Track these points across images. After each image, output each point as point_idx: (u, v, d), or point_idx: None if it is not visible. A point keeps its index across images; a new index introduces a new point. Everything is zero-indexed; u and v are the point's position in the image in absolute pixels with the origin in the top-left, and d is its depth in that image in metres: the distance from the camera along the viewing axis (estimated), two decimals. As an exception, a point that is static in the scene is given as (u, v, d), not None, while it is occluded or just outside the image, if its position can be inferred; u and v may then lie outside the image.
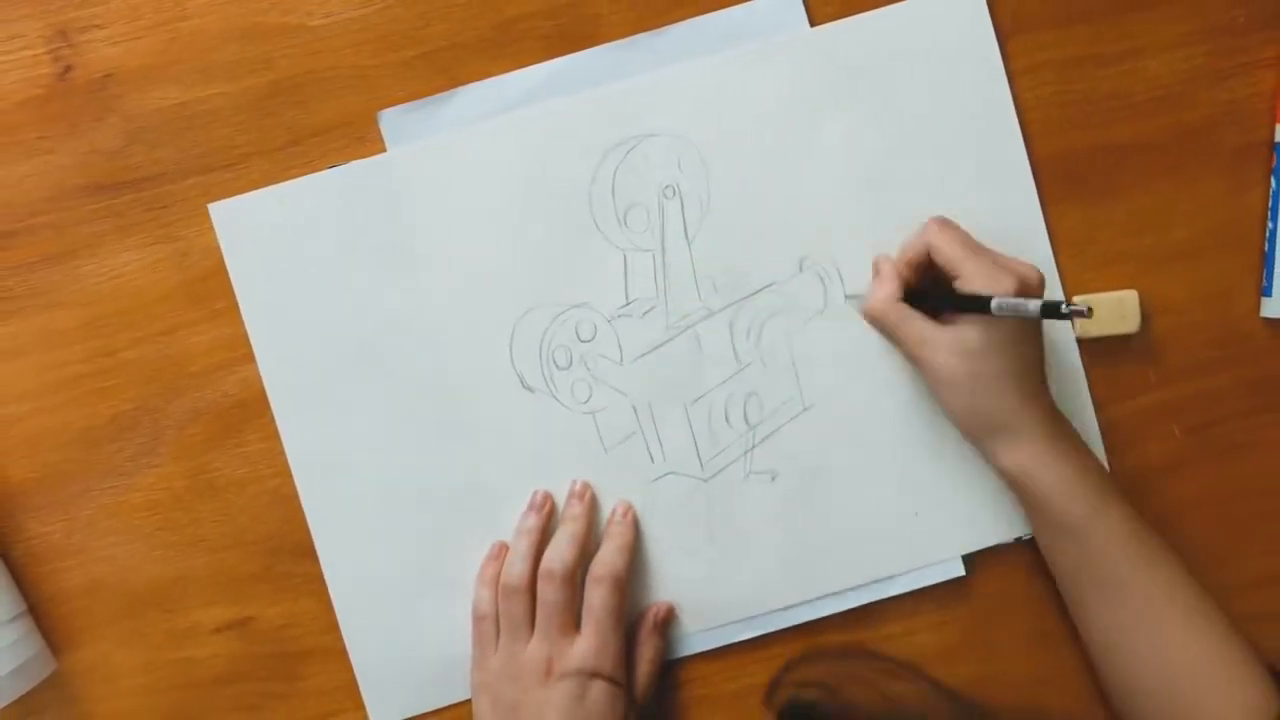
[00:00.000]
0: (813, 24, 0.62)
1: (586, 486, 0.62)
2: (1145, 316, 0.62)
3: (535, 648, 0.58)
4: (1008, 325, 0.56)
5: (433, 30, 0.62)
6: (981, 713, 0.62)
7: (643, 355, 0.62)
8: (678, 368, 0.62)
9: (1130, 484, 0.62)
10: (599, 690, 0.57)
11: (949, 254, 0.57)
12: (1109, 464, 0.63)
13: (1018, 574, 0.63)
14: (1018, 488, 0.58)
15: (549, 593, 0.59)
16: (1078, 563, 0.58)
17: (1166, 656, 0.56)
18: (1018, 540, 0.62)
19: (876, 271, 0.61)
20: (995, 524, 0.62)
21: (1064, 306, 0.53)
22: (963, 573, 0.62)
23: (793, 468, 0.62)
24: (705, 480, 0.62)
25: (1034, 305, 0.53)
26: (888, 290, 0.59)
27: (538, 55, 0.62)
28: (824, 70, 0.62)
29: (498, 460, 0.62)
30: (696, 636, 0.63)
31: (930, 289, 0.60)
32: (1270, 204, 0.63)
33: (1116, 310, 0.62)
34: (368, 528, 0.62)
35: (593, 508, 0.62)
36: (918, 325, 0.58)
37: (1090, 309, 0.52)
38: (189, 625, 0.62)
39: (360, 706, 0.62)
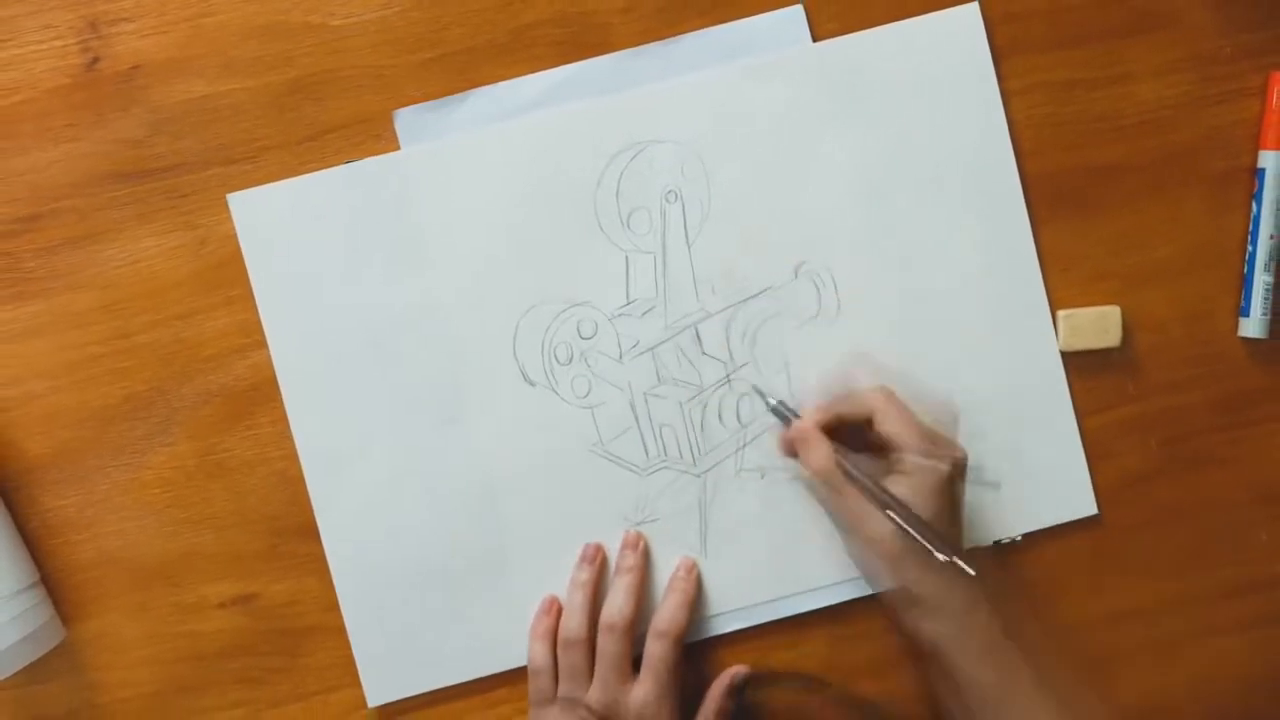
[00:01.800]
0: (815, 39, 0.64)
1: (640, 537, 0.63)
2: (1126, 332, 0.64)
3: (595, 696, 0.60)
4: (940, 502, 0.57)
5: (449, 34, 0.63)
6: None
7: (641, 353, 0.64)
8: (675, 367, 0.64)
9: (1107, 492, 0.64)
10: None
11: (893, 429, 0.58)
12: (1089, 471, 0.64)
13: (996, 576, 0.64)
14: (933, 653, 0.57)
15: (609, 644, 0.60)
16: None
17: None
18: (996, 544, 0.64)
19: (802, 438, 0.60)
20: (975, 527, 0.64)
21: (960, 562, 0.54)
22: (942, 573, 0.64)
23: (782, 466, 0.64)
24: (698, 475, 0.64)
25: (941, 557, 0.55)
26: (824, 451, 0.59)
27: (549, 61, 0.63)
28: (825, 84, 0.63)
29: (498, 450, 0.63)
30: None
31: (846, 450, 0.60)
32: (1250, 227, 0.64)
33: (1099, 325, 0.64)
34: (370, 511, 0.63)
35: (646, 558, 0.63)
36: (852, 500, 0.58)
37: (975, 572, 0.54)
38: (195, 600, 0.64)
39: (357, 684, 0.63)
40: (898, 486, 0.57)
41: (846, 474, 0.58)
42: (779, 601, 0.64)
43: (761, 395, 0.63)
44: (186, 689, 0.64)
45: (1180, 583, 0.65)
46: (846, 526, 0.60)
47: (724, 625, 0.64)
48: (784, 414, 0.62)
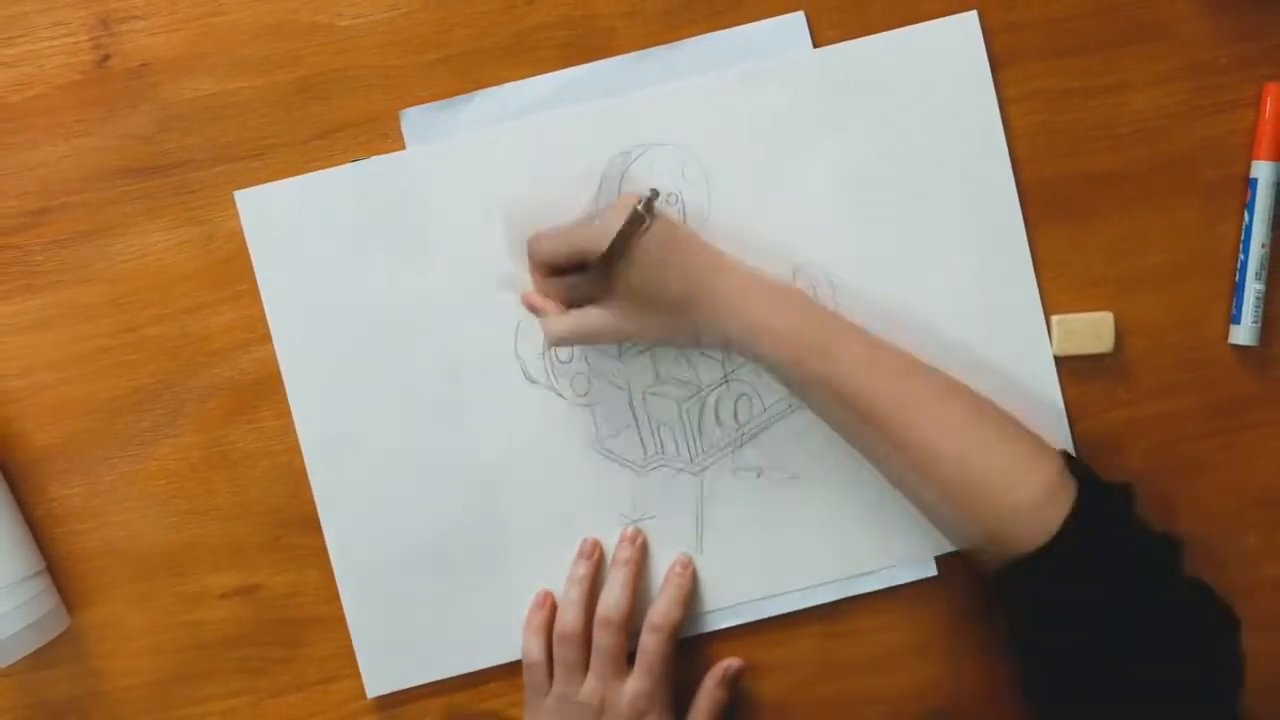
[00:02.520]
0: (816, 45, 0.64)
1: (638, 532, 0.64)
2: (1119, 337, 0.65)
3: (590, 688, 0.61)
4: (649, 246, 0.58)
5: (455, 35, 0.64)
6: None
7: (641, 353, 0.65)
8: (673, 366, 0.65)
9: (1097, 496, 0.65)
10: None
11: (555, 249, 0.60)
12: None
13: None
14: (762, 365, 0.59)
15: (604, 638, 0.61)
16: (848, 419, 0.59)
17: (955, 448, 0.56)
18: (988, 544, 0.65)
19: (534, 306, 0.62)
20: (967, 528, 0.65)
21: (640, 203, 0.57)
22: (935, 573, 0.65)
23: (777, 466, 0.65)
24: (694, 473, 0.65)
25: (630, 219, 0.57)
26: (554, 308, 0.61)
27: (553, 64, 0.64)
28: (825, 89, 0.64)
29: (499, 446, 0.64)
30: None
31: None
32: (1243, 236, 0.65)
33: (1093, 330, 0.65)
34: (371, 505, 0.64)
35: (643, 553, 0.64)
36: (594, 315, 0.60)
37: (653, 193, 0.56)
38: (198, 590, 0.65)
39: (356, 675, 0.64)
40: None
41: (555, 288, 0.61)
42: (772, 599, 0.65)
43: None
44: (188, 677, 0.65)
45: (1168, 585, 0.66)
46: (605, 324, 0.60)
47: (718, 622, 0.65)
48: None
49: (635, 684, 0.61)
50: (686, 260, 0.59)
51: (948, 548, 0.65)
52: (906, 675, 0.65)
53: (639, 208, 0.57)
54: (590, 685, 0.61)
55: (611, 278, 0.59)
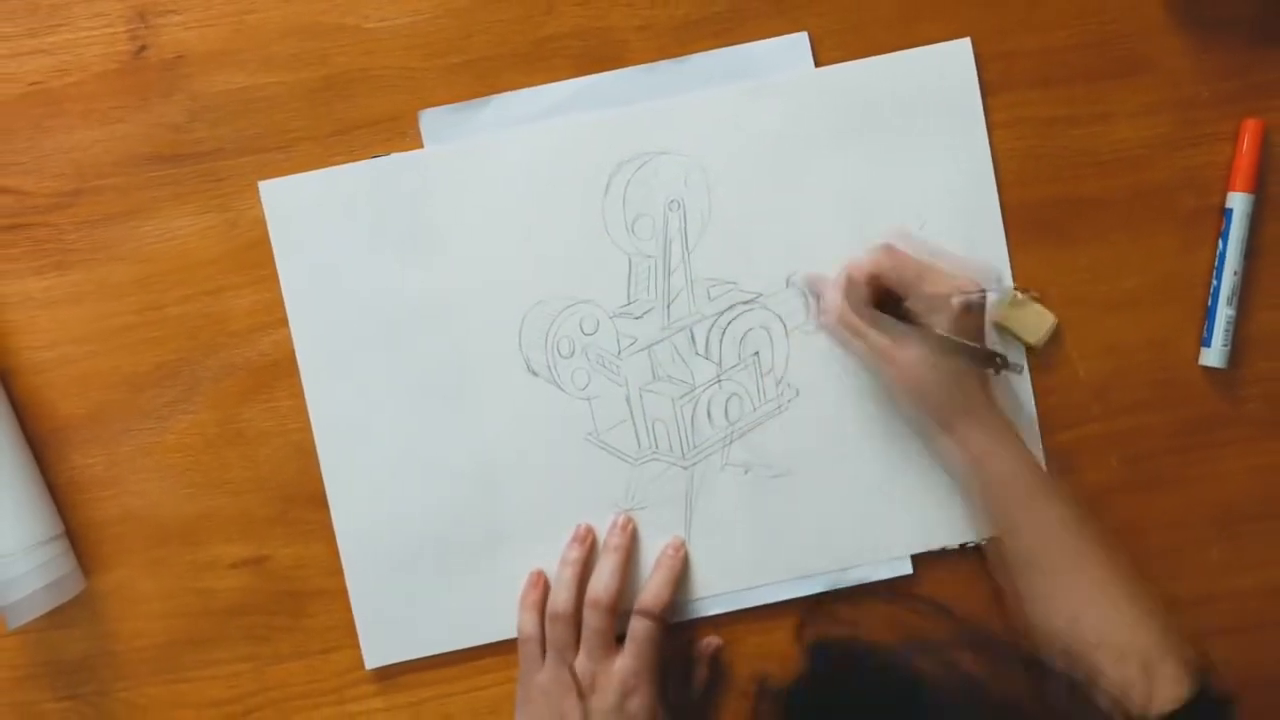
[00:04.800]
0: (818, 65, 0.67)
1: (630, 520, 0.67)
2: (1092, 357, 0.67)
3: (581, 666, 0.63)
4: (964, 323, 0.61)
5: (475, 41, 0.67)
6: (1010, 650, 0.60)
7: (639, 351, 0.67)
8: (670, 365, 0.67)
9: (1068, 504, 0.68)
10: (636, 704, 0.63)
11: (897, 276, 0.62)
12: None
13: (959, 578, 0.67)
14: (976, 471, 0.62)
15: (594, 619, 0.64)
16: (1012, 553, 0.62)
17: (1091, 625, 0.59)
18: (962, 546, 0.67)
19: (816, 290, 0.65)
20: (943, 529, 0.67)
21: (1000, 359, 0.58)
22: (910, 571, 0.67)
23: (764, 463, 0.67)
24: (686, 468, 0.67)
25: (978, 347, 0.59)
26: (835, 295, 0.64)
27: (568, 72, 0.67)
28: (823, 107, 0.67)
29: (500, 435, 0.67)
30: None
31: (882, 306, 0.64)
32: (1216, 263, 0.67)
33: (1033, 320, 0.67)
34: (376, 485, 0.67)
35: (634, 539, 0.67)
36: (887, 324, 0.62)
37: (1022, 366, 0.58)
38: (209, 559, 0.67)
39: (356, 646, 0.67)
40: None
41: (867, 314, 0.62)
42: (757, 589, 0.67)
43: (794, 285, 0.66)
44: (196, 642, 0.67)
45: (1132, 593, 0.69)
46: (880, 363, 0.63)
47: (705, 609, 0.67)
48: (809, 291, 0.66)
49: (624, 664, 0.63)
50: (976, 372, 0.62)
51: (922, 548, 0.67)
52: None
53: (998, 360, 0.60)
54: (581, 663, 0.64)
55: (916, 348, 0.61)
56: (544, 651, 0.65)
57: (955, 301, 0.60)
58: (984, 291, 0.61)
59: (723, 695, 0.68)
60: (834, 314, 0.65)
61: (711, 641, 0.67)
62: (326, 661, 0.67)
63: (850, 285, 0.64)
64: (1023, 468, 0.62)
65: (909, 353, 0.62)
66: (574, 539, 0.67)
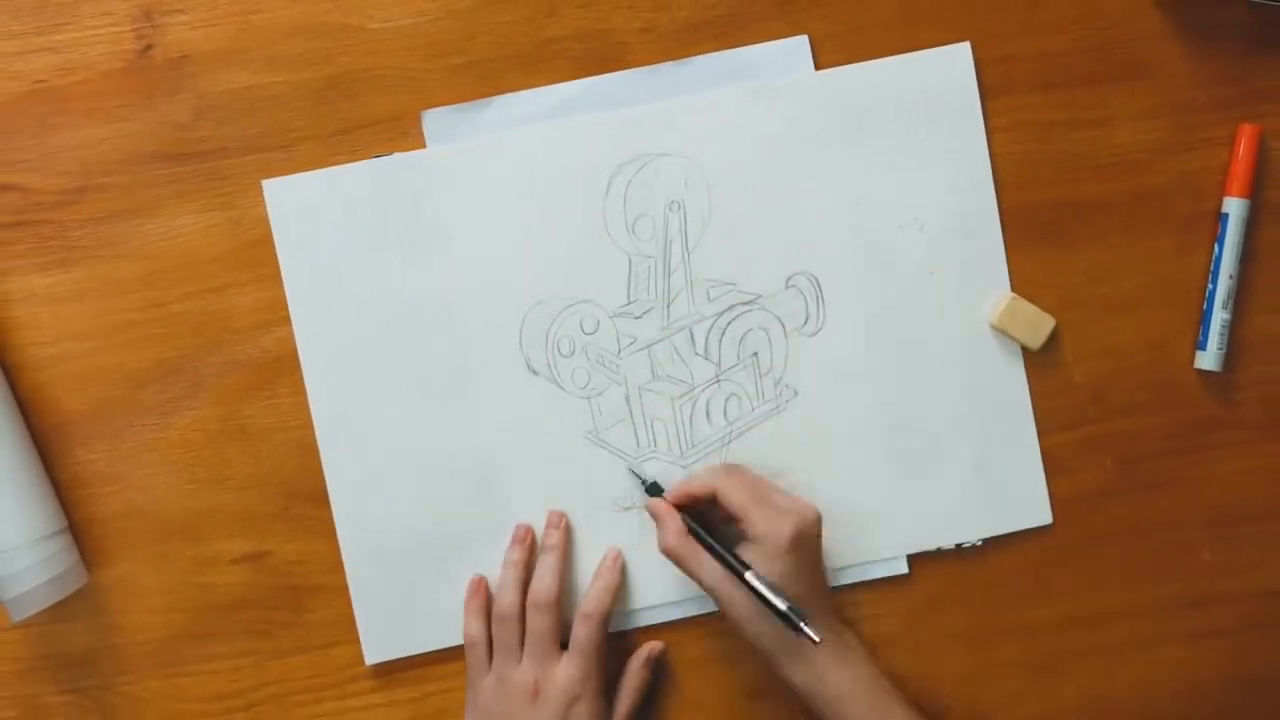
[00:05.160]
0: (818, 68, 0.67)
1: (562, 516, 0.67)
2: (1088, 359, 0.68)
3: (525, 670, 0.64)
4: (788, 561, 0.61)
5: (478, 42, 0.67)
6: None
7: (638, 350, 0.68)
8: (669, 365, 0.68)
9: (1063, 505, 0.68)
10: (581, 711, 0.63)
11: (735, 501, 0.62)
12: (1047, 486, 0.68)
13: (953, 578, 0.68)
14: (807, 699, 0.62)
15: (536, 620, 0.64)
16: None
17: None
18: (957, 547, 0.68)
19: (656, 515, 0.64)
20: (938, 530, 0.68)
21: (802, 625, 0.58)
22: (905, 571, 0.68)
23: (761, 464, 0.68)
24: (684, 467, 0.68)
25: (781, 606, 0.59)
26: (673, 528, 0.63)
27: (570, 73, 0.67)
28: (823, 110, 0.67)
29: (500, 433, 0.67)
30: (663, 607, 0.68)
31: (713, 525, 0.64)
32: (1212, 267, 0.68)
33: (1032, 323, 0.67)
34: (377, 482, 0.67)
35: (567, 535, 0.67)
36: (705, 569, 0.62)
37: (819, 639, 0.58)
38: (211, 554, 0.67)
39: (356, 642, 0.67)
40: (746, 553, 0.62)
41: (699, 541, 0.62)
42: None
43: (636, 475, 0.67)
44: (198, 636, 0.67)
45: (1126, 594, 0.69)
46: (704, 588, 0.62)
47: (703, 607, 0.68)
48: (652, 491, 0.66)
49: (568, 669, 0.64)
50: (805, 601, 0.61)
51: (918, 548, 0.68)
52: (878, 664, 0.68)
53: (806, 629, 0.59)
54: (525, 667, 0.64)
55: (731, 592, 0.61)
56: (490, 656, 0.65)
57: (749, 580, 0.60)
58: (769, 583, 0.60)
59: (668, 698, 0.68)
60: (666, 541, 0.63)
61: (654, 647, 0.67)
62: (327, 657, 0.68)
63: (664, 511, 0.64)
64: (855, 688, 0.62)
65: (724, 595, 0.61)
66: (514, 540, 0.67)
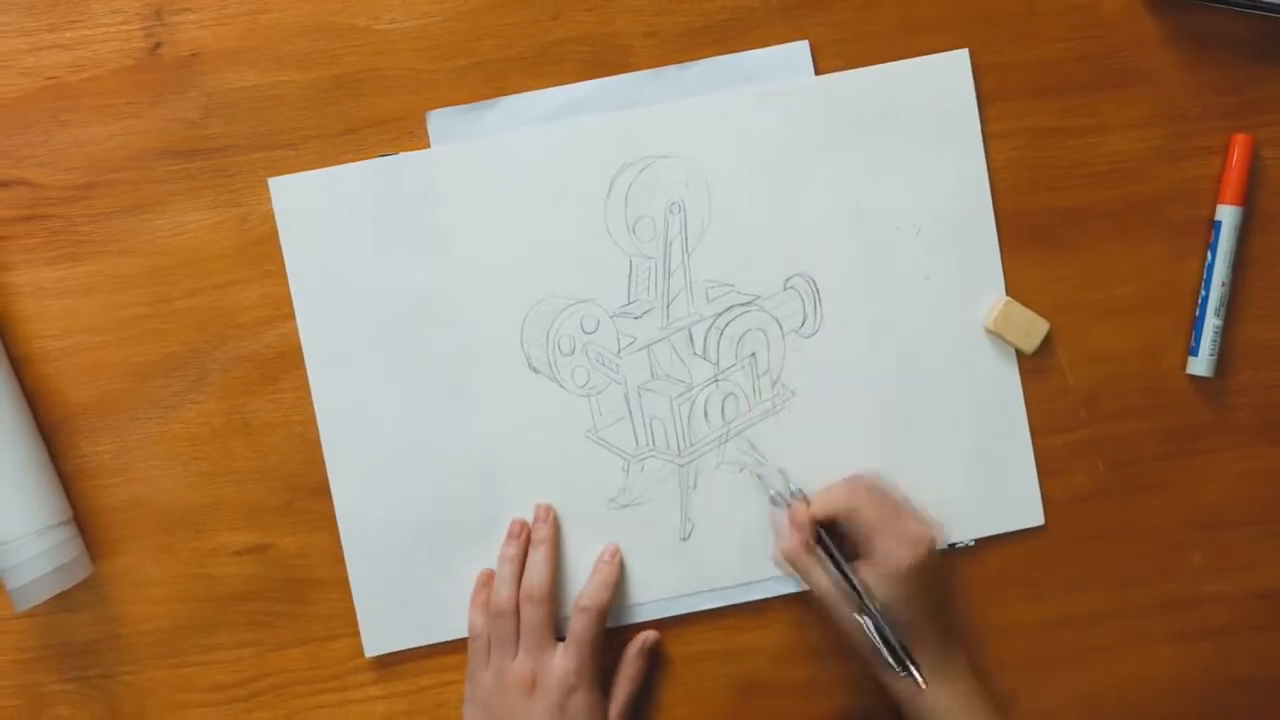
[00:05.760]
0: (818, 73, 0.68)
1: (550, 510, 0.68)
2: (1080, 364, 0.69)
3: (521, 663, 0.65)
4: (904, 588, 0.62)
5: (483, 44, 0.68)
6: None
7: (638, 350, 0.69)
8: (668, 364, 0.69)
9: (1055, 507, 0.69)
10: (577, 703, 0.64)
11: (867, 521, 0.63)
12: (1040, 488, 0.69)
13: (950, 576, 0.69)
14: (902, 707, 0.63)
15: (529, 613, 0.65)
16: None
17: None
18: (951, 546, 0.69)
19: (792, 520, 0.65)
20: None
21: (911, 669, 0.60)
22: (900, 570, 0.69)
23: (759, 462, 0.68)
24: (681, 465, 0.69)
25: (888, 655, 0.61)
26: (797, 539, 0.64)
27: (574, 75, 0.68)
28: (823, 114, 0.68)
29: (501, 430, 0.68)
30: (661, 603, 0.69)
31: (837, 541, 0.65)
32: (1205, 274, 0.69)
33: (1026, 327, 0.68)
34: (378, 477, 0.68)
35: (556, 528, 0.68)
36: (823, 582, 0.63)
37: (925, 686, 0.60)
38: (214, 546, 0.68)
39: (356, 634, 0.68)
40: (866, 571, 0.63)
41: (821, 558, 0.63)
42: (750, 585, 0.69)
43: (764, 480, 0.68)
44: (200, 627, 0.68)
45: (1116, 595, 0.70)
46: (819, 602, 0.64)
47: (699, 604, 0.69)
48: (779, 502, 0.67)
49: (564, 661, 0.64)
50: (928, 621, 0.63)
51: (913, 547, 0.69)
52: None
53: (915, 673, 0.61)
54: (521, 660, 0.65)
55: (843, 610, 0.62)
56: (490, 649, 0.66)
57: (865, 627, 0.62)
58: (879, 612, 0.62)
59: (664, 692, 0.69)
60: (787, 550, 0.65)
61: (649, 636, 0.68)
62: (327, 649, 0.69)
63: (804, 521, 0.64)
64: (953, 704, 0.63)
65: (837, 614, 0.63)
66: (509, 535, 0.68)
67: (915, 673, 0.61)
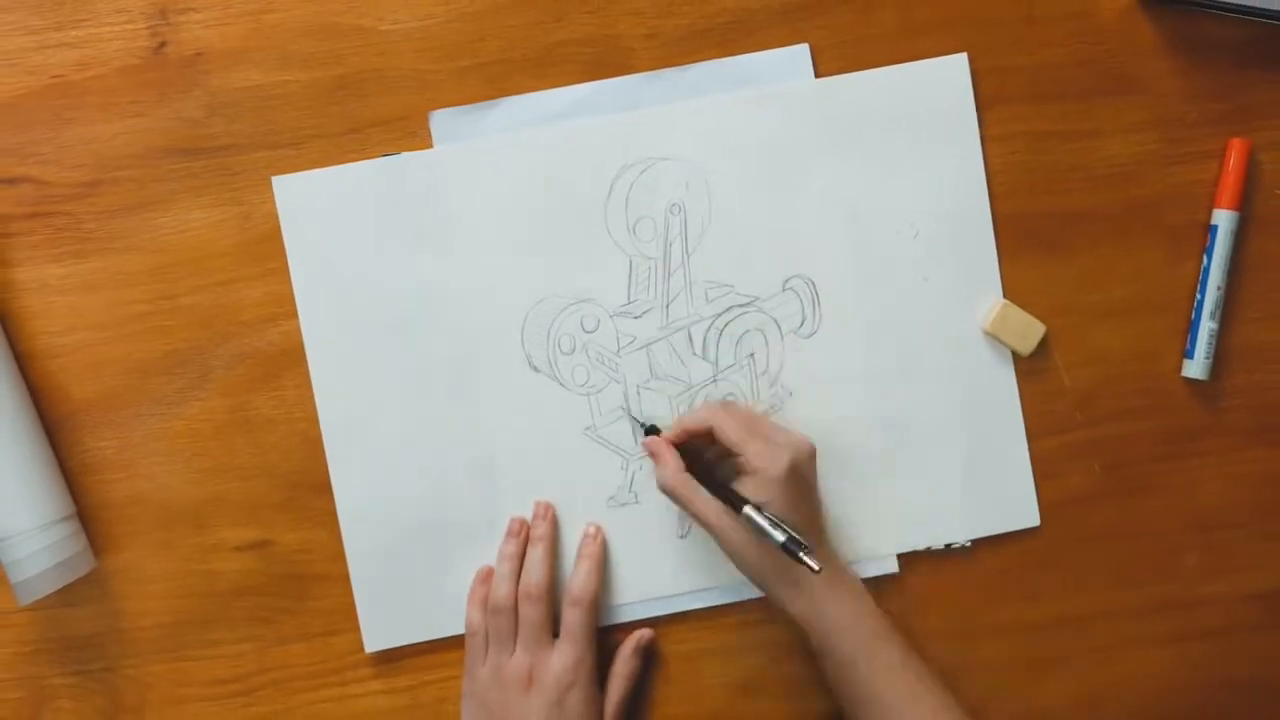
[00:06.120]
0: (818, 76, 0.69)
1: (549, 507, 0.68)
2: (1076, 366, 0.69)
3: (518, 659, 0.65)
4: (785, 493, 0.62)
5: (486, 45, 0.68)
6: None
7: (637, 349, 0.69)
8: (667, 364, 0.69)
9: (1051, 508, 0.69)
10: (575, 699, 0.64)
11: (731, 434, 0.63)
12: (1036, 490, 0.69)
13: (942, 577, 0.69)
14: (804, 631, 0.63)
15: (527, 611, 0.65)
16: (854, 694, 0.63)
17: None
18: (946, 547, 0.70)
19: (654, 453, 0.65)
20: (928, 530, 0.69)
21: (801, 553, 0.58)
22: (896, 570, 0.69)
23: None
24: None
25: (780, 538, 0.59)
26: (671, 466, 0.64)
27: (575, 77, 0.68)
28: (822, 117, 0.69)
29: (502, 428, 0.68)
30: (657, 601, 0.69)
31: (711, 462, 0.66)
32: (1201, 278, 0.69)
33: (1022, 329, 0.68)
34: (379, 474, 0.68)
35: (555, 526, 0.68)
36: (703, 503, 0.63)
37: (819, 568, 0.58)
38: (215, 542, 0.68)
39: (356, 630, 0.68)
40: (744, 486, 0.62)
41: (697, 480, 0.63)
42: (748, 584, 0.67)
43: (634, 419, 0.68)
44: (201, 622, 0.68)
45: (1111, 596, 0.70)
46: (707, 533, 0.64)
47: (697, 602, 0.69)
48: (650, 432, 0.68)
49: (561, 657, 0.65)
50: (802, 534, 0.61)
51: (908, 547, 0.69)
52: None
53: (805, 558, 0.58)
54: (518, 656, 0.65)
55: (730, 522, 0.62)
56: (489, 645, 0.67)
57: (747, 513, 0.61)
58: (758, 506, 0.61)
59: (661, 690, 0.70)
60: (665, 478, 0.64)
61: (644, 634, 0.68)
62: (328, 644, 0.69)
63: (662, 449, 0.65)
64: (854, 622, 0.63)
65: (723, 529, 0.62)
66: (509, 533, 0.68)
67: (807, 559, 0.59)
